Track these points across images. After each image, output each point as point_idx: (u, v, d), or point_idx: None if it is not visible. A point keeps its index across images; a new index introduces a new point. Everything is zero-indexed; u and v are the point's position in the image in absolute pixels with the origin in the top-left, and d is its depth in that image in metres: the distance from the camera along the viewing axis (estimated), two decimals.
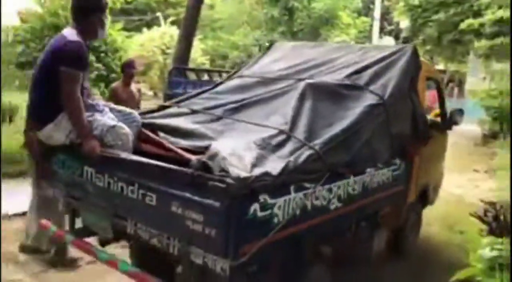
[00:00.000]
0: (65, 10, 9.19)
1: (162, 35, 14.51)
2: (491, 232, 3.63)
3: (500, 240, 2.84)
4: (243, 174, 2.31)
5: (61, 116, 2.90)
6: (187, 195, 2.34)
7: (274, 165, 2.54)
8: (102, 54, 9.81)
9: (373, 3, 23.55)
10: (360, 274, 3.67)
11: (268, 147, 2.76)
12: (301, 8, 19.41)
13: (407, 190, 4.01)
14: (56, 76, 2.81)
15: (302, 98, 3.22)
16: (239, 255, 2.27)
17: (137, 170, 2.62)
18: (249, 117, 3.21)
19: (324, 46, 4.40)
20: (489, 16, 13.23)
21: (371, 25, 20.63)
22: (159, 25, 16.17)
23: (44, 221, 3.39)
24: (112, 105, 3.31)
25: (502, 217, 3.78)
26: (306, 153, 2.73)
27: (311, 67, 3.82)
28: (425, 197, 4.87)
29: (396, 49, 3.90)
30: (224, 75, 8.83)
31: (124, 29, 12.16)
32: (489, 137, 12.48)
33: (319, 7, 19.14)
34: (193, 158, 2.53)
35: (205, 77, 8.33)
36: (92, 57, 8.80)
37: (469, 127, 11.35)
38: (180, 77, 7.81)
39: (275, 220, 2.45)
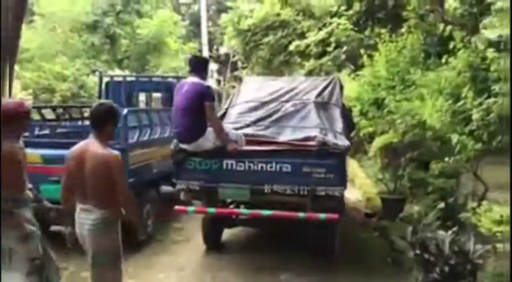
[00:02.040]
0: None
1: None
2: None
3: None
4: (345, 144, 4.77)
5: (207, 132, 4.76)
6: (313, 160, 4.58)
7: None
8: None
9: (193, 31, 23.81)
10: None
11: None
12: (125, 34, 18.19)
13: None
14: (201, 108, 4.69)
15: (317, 110, 5.37)
16: (345, 185, 4.67)
17: (273, 154, 4.70)
18: (288, 124, 5.29)
19: (280, 80, 6.67)
20: (312, 38, 14.41)
21: (200, 51, 20.62)
22: None
23: (179, 206, 5.00)
24: None
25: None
26: (343, 137, 5.06)
27: (286, 93, 5.76)
28: None
29: (331, 79, 6.21)
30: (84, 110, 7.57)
31: None
32: None
33: (144, 33, 18.20)
34: (305, 144, 4.77)
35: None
36: None
37: None
38: None
39: (346, 169, 4.83)
